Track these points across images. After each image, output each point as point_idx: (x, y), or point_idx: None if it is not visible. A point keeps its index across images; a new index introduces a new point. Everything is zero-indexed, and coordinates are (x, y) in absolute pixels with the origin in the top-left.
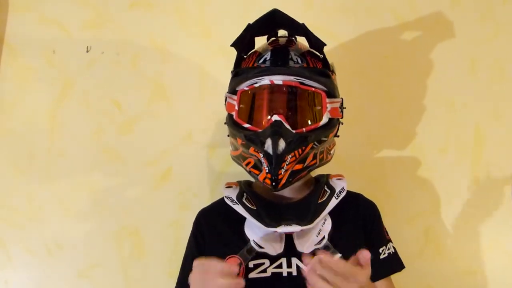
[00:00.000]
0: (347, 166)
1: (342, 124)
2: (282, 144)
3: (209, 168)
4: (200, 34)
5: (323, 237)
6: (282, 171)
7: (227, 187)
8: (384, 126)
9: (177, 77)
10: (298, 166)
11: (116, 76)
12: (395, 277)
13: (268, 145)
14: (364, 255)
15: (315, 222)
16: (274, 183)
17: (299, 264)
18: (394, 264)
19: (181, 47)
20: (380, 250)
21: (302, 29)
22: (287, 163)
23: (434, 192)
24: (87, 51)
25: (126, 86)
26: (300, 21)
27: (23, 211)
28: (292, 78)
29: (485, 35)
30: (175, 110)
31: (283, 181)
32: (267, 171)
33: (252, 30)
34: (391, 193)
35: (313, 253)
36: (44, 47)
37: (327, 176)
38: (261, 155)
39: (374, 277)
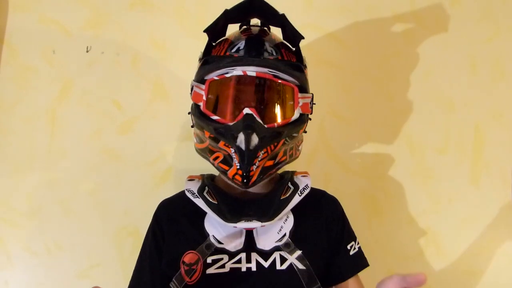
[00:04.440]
0: (347, 166)
1: (311, 120)
2: (255, 139)
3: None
4: (200, 34)
5: (284, 234)
6: (254, 167)
7: (189, 180)
8: (384, 126)
9: (177, 77)
10: (269, 163)
11: (116, 76)
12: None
13: (241, 140)
14: (419, 278)
15: (276, 219)
16: (245, 180)
17: (259, 260)
18: (362, 260)
19: (181, 47)
20: (349, 247)
21: (280, 19)
22: (259, 159)
23: (434, 192)
24: (87, 51)
25: (126, 86)
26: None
27: (23, 211)
28: (266, 70)
29: (485, 35)
30: (175, 110)
31: (254, 178)
32: (238, 167)
33: (228, 17)
34: (391, 193)
35: (274, 250)
36: (44, 47)
37: (292, 173)
38: (232, 150)
39: (345, 275)
